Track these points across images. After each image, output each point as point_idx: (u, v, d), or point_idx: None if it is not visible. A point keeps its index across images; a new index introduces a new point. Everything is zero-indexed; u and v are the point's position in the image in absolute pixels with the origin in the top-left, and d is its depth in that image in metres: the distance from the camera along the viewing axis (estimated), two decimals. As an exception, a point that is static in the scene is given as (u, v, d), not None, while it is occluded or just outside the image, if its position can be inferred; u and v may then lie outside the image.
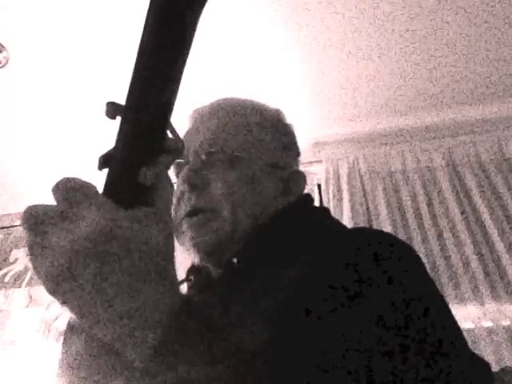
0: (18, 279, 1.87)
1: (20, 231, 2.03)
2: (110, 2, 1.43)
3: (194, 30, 0.33)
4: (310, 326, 0.38)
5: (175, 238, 0.62)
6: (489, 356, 1.34)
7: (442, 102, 1.85)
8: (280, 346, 0.37)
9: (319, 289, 0.41)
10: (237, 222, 0.59)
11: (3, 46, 1.54)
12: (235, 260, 0.56)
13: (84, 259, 0.30)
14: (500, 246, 1.55)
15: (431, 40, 1.61)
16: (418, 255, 0.50)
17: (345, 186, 1.78)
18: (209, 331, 0.34)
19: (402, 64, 1.69)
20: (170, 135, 0.37)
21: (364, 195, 1.76)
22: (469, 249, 1.57)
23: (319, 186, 1.87)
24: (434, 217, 1.67)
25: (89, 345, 0.33)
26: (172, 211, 0.63)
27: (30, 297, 1.79)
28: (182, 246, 0.62)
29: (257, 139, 0.66)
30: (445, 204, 1.69)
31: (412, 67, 1.70)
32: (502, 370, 1.45)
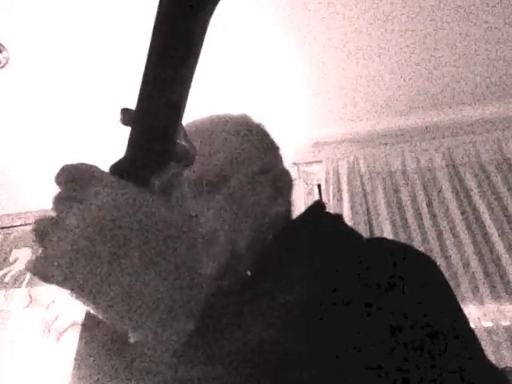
0: (17, 279, 1.87)
1: (20, 231, 2.04)
2: (110, 1, 1.43)
3: (203, 33, 0.33)
4: (312, 325, 0.38)
5: None
6: (489, 356, 1.34)
7: (442, 102, 1.85)
8: (282, 345, 0.36)
9: (334, 300, 0.40)
10: (235, 244, 0.57)
11: (3, 46, 1.54)
12: (249, 273, 0.55)
13: (100, 238, 0.29)
14: (500, 246, 1.55)
15: (431, 40, 1.61)
16: (438, 268, 0.48)
17: (345, 186, 1.78)
18: (208, 331, 0.34)
19: (401, 64, 1.69)
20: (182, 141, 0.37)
21: (364, 195, 1.76)
22: (469, 249, 1.57)
23: (319, 186, 1.87)
24: (433, 217, 1.67)
25: (89, 345, 0.33)
26: None
27: (30, 297, 1.78)
28: None
29: (231, 152, 0.63)
30: (445, 204, 1.69)
31: (412, 67, 1.70)
32: (502, 369, 1.46)
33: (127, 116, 0.34)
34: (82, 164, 0.32)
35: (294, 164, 1.90)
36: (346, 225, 0.63)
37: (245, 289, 0.55)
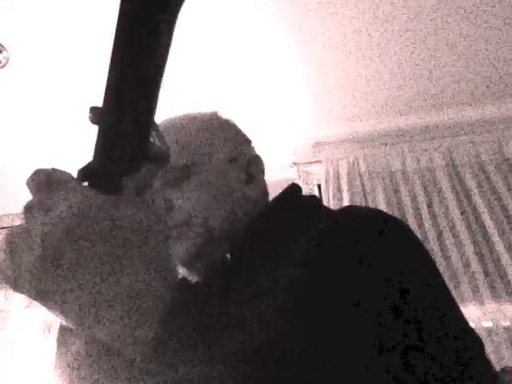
0: (18, 279, 1.86)
1: (20, 231, 2.03)
2: (110, 1, 1.43)
3: (172, 25, 0.31)
4: (310, 324, 0.38)
5: None
6: (489, 356, 1.35)
7: (441, 102, 1.85)
8: (281, 345, 0.37)
9: (318, 285, 0.41)
10: (210, 225, 0.61)
11: (3, 46, 1.54)
12: (228, 256, 0.59)
13: (65, 246, 0.29)
14: (500, 246, 1.55)
15: (431, 40, 1.61)
16: (409, 228, 0.52)
17: (345, 186, 1.78)
18: (208, 330, 0.34)
19: (401, 64, 1.69)
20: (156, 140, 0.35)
21: (364, 195, 1.76)
22: (469, 249, 1.57)
23: (319, 186, 1.87)
24: (433, 217, 1.67)
25: (89, 345, 0.33)
26: None
27: (30, 297, 1.78)
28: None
29: (204, 142, 0.68)
30: (445, 204, 1.69)
31: (412, 67, 1.70)
32: (502, 369, 1.46)
33: (97, 114, 0.33)
34: (52, 170, 0.32)
35: (294, 164, 1.90)
36: (321, 204, 0.67)
37: (226, 271, 0.58)
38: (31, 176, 0.32)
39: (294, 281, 0.43)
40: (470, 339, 0.46)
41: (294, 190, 0.69)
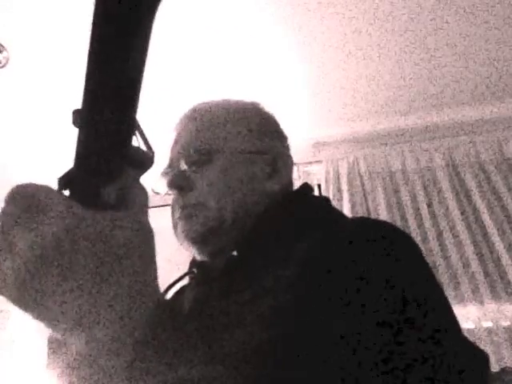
0: (17, 279, 1.86)
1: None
2: (110, 2, 1.43)
3: (151, 19, 0.29)
4: (311, 324, 0.39)
5: (175, 236, 0.65)
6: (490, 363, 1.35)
7: (441, 102, 1.85)
8: (281, 345, 0.37)
9: (321, 286, 0.42)
10: (223, 211, 0.61)
11: (3, 46, 1.54)
12: (235, 253, 0.58)
13: (48, 260, 0.29)
14: (500, 246, 1.55)
15: (431, 40, 1.61)
16: (418, 246, 0.52)
17: (345, 186, 1.78)
18: (208, 331, 0.34)
19: (401, 64, 1.69)
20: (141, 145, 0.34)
21: (364, 195, 1.76)
22: (469, 249, 1.57)
23: (319, 186, 1.87)
24: (434, 217, 1.67)
25: (89, 345, 0.33)
26: (170, 217, 0.67)
27: (30, 297, 1.78)
28: (180, 244, 0.65)
29: (232, 130, 0.68)
30: (445, 204, 1.69)
31: (412, 67, 1.70)
32: (502, 369, 1.46)
33: (79, 118, 0.31)
34: (31, 187, 0.31)
35: (294, 164, 1.90)
36: (332, 206, 0.66)
37: (231, 268, 0.58)
38: (10, 193, 0.31)
39: (294, 281, 0.43)
40: (469, 356, 0.46)
41: (305, 190, 0.69)
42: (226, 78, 1.67)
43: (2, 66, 1.59)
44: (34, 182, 0.31)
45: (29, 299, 0.30)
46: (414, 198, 1.73)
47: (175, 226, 0.65)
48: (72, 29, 1.51)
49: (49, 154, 1.96)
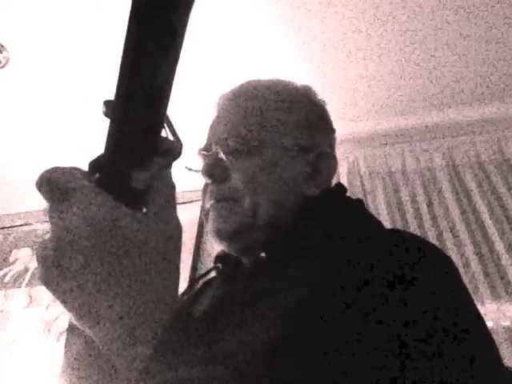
0: (17, 279, 1.87)
1: (20, 231, 2.04)
2: (111, 1, 1.43)
3: (186, 18, 0.30)
4: (326, 329, 0.38)
5: (205, 228, 0.63)
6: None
7: (442, 102, 1.85)
8: (285, 347, 0.36)
9: (344, 293, 0.40)
10: (258, 209, 0.58)
11: (3, 46, 1.54)
12: (263, 254, 0.56)
13: (77, 251, 0.29)
14: (500, 246, 1.55)
15: (431, 40, 1.61)
16: (454, 265, 0.48)
17: (345, 186, 1.78)
18: (209, 331, 0.34)
19: (401, 64, 1.69)
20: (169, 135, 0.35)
21: (364, 195, 1.76)
22: (469, 249, 1.57)
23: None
24: (433, 217, 1.67)
25: (89, 345, 0.33)
26: (201, 202, 0.64)
27: (30, 297, 1.78)
28: (211, 236, 0.62)
29: (278, 122, 0.63)
30: (445, 204, 1.69)
31: (412, 67, 1.70)
32: None
33: (110, 108, 0.32)
34: (60, 172, 0.31)
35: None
36: (366, 210, 0.62)
37: (257, 271, 0.55)
38: (39, 179, 0.31)
39: (324, 290, 0.41)
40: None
41: (340, 191, 0.64)
42: (225, 78, 1.66)
43: (2, 66, 1.59)
44: (62, 166, 0.32)
45: (51, 281, 0.30)
46: (413, 198, 1.73)
47: (206, 216, 0.62)
48: (72, 29, 1.51)
49: (49, 153, 1.96)
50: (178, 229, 0.34)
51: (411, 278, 0.41)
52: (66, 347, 0.43)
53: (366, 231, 0.54)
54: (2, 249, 2.01)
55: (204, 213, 0.63)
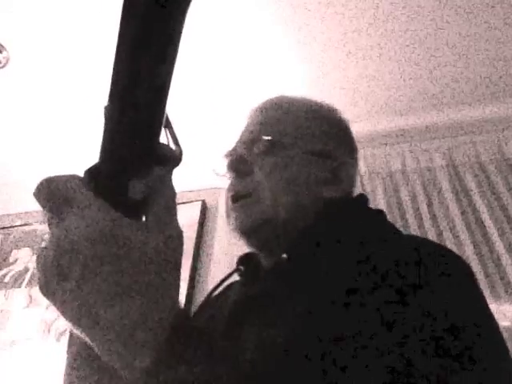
0: (18, 279, 1.87)
1: (20, 231, 2.04)
2: (111, 1, 1.43)
3: (182, 19, 0.29)
4: (345, 332, 0.38)
5: (228, 224, 0.65)
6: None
7: (442, 102, 1.85)
8: (301, 349, 0.36)
9: (363, 297, 0.40)
10: (277, 207, 0.60)
11: (3, 46, 1.54)
12: (285, 255, 0.57)
13: (77, 258, 0.29)
14: (500, 246, 1.55)
15: (431, 40, 1.61)
16: (471, 270, 0.49)
17: (345, 186, 1.77)
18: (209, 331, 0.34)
19: (402, 64, 1.69)
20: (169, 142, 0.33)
21: (364, 195, 1.76)
22: (469, 249, 1.57)
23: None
24: (433, 217, 1.67)
25: (89, 345, 0.33)
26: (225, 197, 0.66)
27: (30, 297, 1.78)
28: (231, 231, 0.64)
29: (301, 127, 0.67)
30: (445, 204, 1.69)
31: (412, 67, 1.70)
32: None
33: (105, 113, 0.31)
34: (58, 181, 0.31)
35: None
36: (387, 219, 0.63)
37: (278, 273, 0.56)
38: (37, 188, 0.31)
39: (342, 295, 0.42)
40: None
41: (362, 200, 0.66)
42: (225, 78, 1.66)
43: (2, 66, 1.59)
44: (60, 174, 0.31)
45: (50, 290, 0.30)
46: (413, 198, 1.73)
47: (228, 214, 0.65)
48: (72, 29, 1.51)
49: (49, 153, 1.96)
50: (178, 236, 0.33)
51: (428, 282, 0.41)
52: (67, 347, 0.43)
53: (386, 237, 0.54)
54: (1, 249, 2.01)
55: (227, 211, 0.65)
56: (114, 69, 0.29)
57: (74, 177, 0.31)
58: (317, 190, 0.63)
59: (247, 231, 0.62)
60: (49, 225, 0.31)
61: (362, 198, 0.67)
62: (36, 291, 1.76)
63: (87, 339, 0.31)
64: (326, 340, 0.37)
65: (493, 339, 0.44)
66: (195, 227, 1.78)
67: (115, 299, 0.29)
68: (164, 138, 0.33)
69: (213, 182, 1.86)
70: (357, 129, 2.03)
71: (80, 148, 1.90)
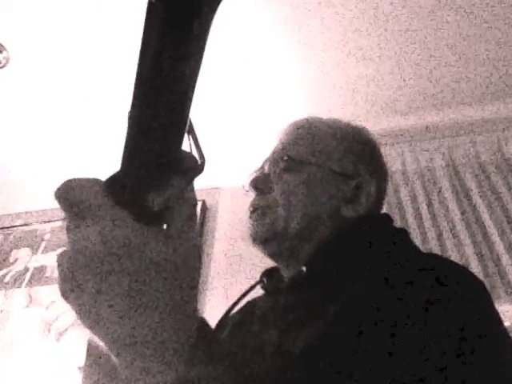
0: (17, 279, 1.87)
1: (20, 231, 2.04)
2: (111, 1, 1.43)
3: (209, 21, 0.28)
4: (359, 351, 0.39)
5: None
6: None
7: (442, 102, 1.85)
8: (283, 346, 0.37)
9: (382, 313, 0.42)
10: (290, 219, 0.62)
11: (3, 46, 1.54)
12: (304, 269, 0.59)
13: (92, 272, 0.28)
14: (500, 246, 1.55)
15: (431, 40, 1.61)
16: (486, 289, 0.50)
17: (345, 186, 1.77)
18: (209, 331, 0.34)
19: (402, 64, 1.69)
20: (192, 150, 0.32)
21: (364, 195, 1.76)
22: (469, 249, 1.57)
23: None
24: (433, 217, 1.67)
25: (89, 345, 0.32)
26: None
27: (30, 297, 1.78)
28: (248, 239, 0.67)
29: (323, 146, 0.68)
30: (445, 204, 1.69)
31: (412, 67, 1.70)
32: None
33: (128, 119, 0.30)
34: (77, 186, 0.30)
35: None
36: (409, 238, 0.64)
37: (298, 285, 0.59)
38: (58, 189, 0.30)
39: (362, 312, 0.43)
40: None
41: (385, 219, 0.68)
42: (225, 78, 1.66)
43: (2, 66, 1.59)
44: (82, 177, 0.30)
45: (67, 294, 0.29)
46: (413, 198, 1.73)
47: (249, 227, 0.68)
48: (72, 29, 1.51)
49: (49, 153, 1.96)
50: (197, 248, 0.32)
51: (444, 299, 0.43)
52: (93, 347, 0.42)
53: (407, 255, 0.56)
54: (1, 249, 2.01)
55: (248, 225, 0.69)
56: (137, 71, 0.28)
57: (95, 182, 0.30)
58: (333, 208, 0.64)
59: (259, 241, 0.65)
60: (66, 230, 0.30)
61: (385, 217, 0.69)
62: (36, 291, 1.76)
63: (104, 348, 0.30)
64: (344, 361, 0.38)
65: (505, 357, 0.45)
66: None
67: (130, 314, 0.29)
68: (186, 145, 0.32)
69: (213, 182, 1.86)
70: (357, 129, 2.02)
71: (80, 148, 1.90)
